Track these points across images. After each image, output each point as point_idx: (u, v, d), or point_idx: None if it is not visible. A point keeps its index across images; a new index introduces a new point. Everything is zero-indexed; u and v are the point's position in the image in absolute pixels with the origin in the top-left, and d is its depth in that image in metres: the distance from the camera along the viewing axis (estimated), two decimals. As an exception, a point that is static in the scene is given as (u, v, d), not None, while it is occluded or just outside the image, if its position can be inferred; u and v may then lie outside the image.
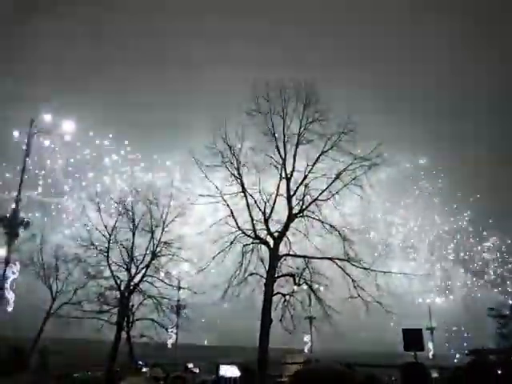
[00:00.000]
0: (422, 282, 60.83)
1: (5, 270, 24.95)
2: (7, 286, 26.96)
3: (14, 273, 27.85)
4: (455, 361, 54.91)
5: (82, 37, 63.39)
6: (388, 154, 26.80)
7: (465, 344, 59.11)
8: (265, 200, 26.95)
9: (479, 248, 72.95)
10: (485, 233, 73.66)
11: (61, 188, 47.24)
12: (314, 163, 27.19)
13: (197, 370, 30.66)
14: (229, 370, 26.24)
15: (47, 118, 28.28)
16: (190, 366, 31.37)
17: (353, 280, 25.71)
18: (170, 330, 35.48)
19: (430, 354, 53.49)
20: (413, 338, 22.01)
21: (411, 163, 76.84)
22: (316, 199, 26.96)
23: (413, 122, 71.92)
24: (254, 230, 26.72)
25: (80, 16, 62.66)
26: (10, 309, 27.18)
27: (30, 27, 58.42)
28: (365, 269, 25.82)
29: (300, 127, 27.38)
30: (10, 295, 27.31)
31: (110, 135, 57.46)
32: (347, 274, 25.91)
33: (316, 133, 27.39)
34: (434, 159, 75.68)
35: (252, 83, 27.28)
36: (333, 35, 76.58)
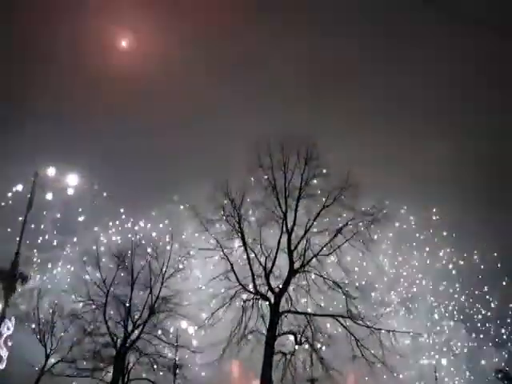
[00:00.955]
0: (427, 341, 59.16)
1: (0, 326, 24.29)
2: (1, 342, 26.14)
3: (8, 328, 27.08)
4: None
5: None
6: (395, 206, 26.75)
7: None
8: (266, 254, 26.72)
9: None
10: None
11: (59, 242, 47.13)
12: (316, 218, 27.19)
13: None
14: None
15: (51, 171, 28.41)
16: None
17: (356, 340, 24.99)
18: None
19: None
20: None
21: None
22: (317, 254, 26.73)
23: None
24: (255, 285, 26.34)
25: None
26: (2, 366, 26.21)
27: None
28: (368, 327, 25.16)
29: (301, 182, 27.62)
30: (4, 352, 26.41)
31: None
32: (350, 332, 25.24)
33: (317, 187, 27.61)
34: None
35: (255, 140, 27.77)
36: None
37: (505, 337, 67.72)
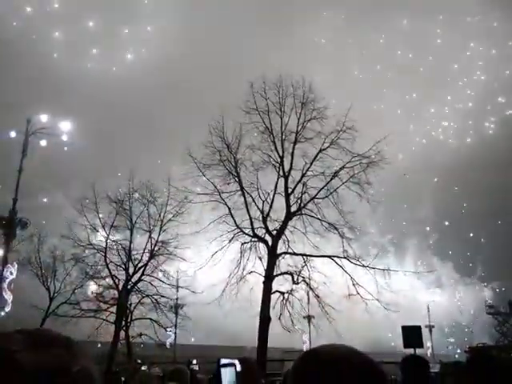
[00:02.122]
0: (422, 279, 60.84)
1: (2, 271, 24.79)
2: (5, 286, 26.77)
3: (11, 273, 27.64)
4: (456, 356, 54.91)
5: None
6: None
7: (465, 339, 59.23)
8: (263, 198, 26.93)
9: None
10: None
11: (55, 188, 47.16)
12: (312, 161, 27.16)
13: (197, 368, 30.65)
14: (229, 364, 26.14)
15: (43, 118, 28.04)
16: (194, 362, 31.48)
17: (351, 277, 25.66)
18: (168, 330, 35.40)
19: (429, 352, 53.49)
20: (412, 334, 21.98)
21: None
22: (314, 197, 26.92)
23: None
24: (253, 229, 26.67)
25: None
26: (7, 309, 27.00)
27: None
28: (363, 266, 25.78)
29: (298, 125, 27.37)
30: (8, 296, 27.11)
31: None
32: (346, 271, 25.87)
33: (314, 131, 27.39)
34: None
35: (249, 81, 27.25)
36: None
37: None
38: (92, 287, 29.58)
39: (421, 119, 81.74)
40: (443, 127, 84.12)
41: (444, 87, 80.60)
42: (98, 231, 30.04)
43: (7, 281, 26.99)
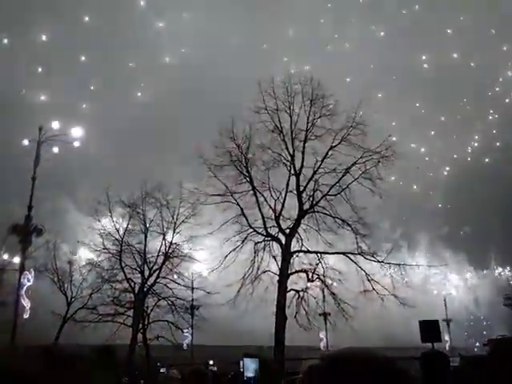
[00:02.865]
0: (438, 273, 60.37)
1: (20, 278, 25.10)
2: (22, 293, 27.12)
3: (28, 280, 28.03)
4: (475, 350, 54.38)
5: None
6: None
7: (484, 332, 58.65)
8: (275, 197, 26.89)
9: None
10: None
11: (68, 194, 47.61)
12: (323, 158, 27.04)
13: (215, 369, 30.75)
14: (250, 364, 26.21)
15: (55, 125, 28.37)
16: (211, 363, 31.62)
17: (366, 274, 25.54)
18: (185, 331, 35.56)
19: (447, 346, 53.05)
20: (430, 329, 21.76)
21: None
22: (326, 194, 26.81)
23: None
24: (265, 228, 26.65)
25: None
26: (26, 316, 27.35)
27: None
28: (378, 262, 25.65)
29: (307, 123, 27.27)
30: (26, 302, 27.48)
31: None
32: (361, 268, 25.74)
33: (324, 128, 27.26)
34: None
35: (258, 80, 27.24)
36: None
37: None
38: (109, 292, 29.77)
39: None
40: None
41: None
42: (112, 235, 30.23)
43: (25, 287, 27.35)
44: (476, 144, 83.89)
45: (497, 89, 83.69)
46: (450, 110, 77.82)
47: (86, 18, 64.90)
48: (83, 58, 63.84)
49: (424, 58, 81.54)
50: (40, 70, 59.84)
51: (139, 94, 69.15)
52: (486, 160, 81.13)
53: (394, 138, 26.68)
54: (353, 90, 47.81)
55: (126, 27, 63.37)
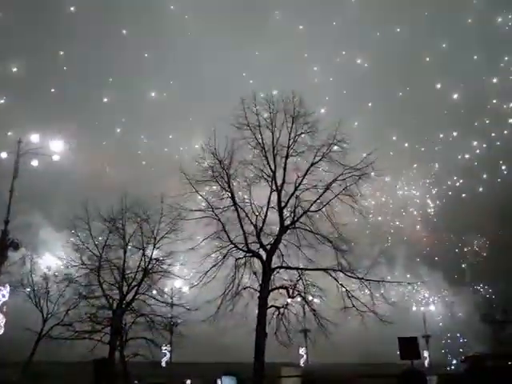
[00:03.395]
0: (417, 289, 60.89)
1: (-6, 293, 24.59)
2: (-3, 308, 26.57)
3: (3, 296, 27.46)
4: (452, 367, 54.81)
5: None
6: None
7: (461, 350, 59.08)
8: (256, 213, 26.90)
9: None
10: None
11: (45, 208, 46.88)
12: (305, 175, 27.26)
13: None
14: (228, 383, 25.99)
15: (35, 138, 28.09)
16: (188, 382, 31.10)
17: (347, 290, 25.61)
18: (163, 348, 35.09)
19: (426, 363, 53.28)
20: (408, 346, 21.95)
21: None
22: (307, 210, 26.96)
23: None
24: (247, 244, 26.61)
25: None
26: (1, 332, 26.73)
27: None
28: (358, 278, 25.75)
29: (289, 139, 27.50)
30: (1, 318, 26.88)
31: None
32: (341, 284, 25.82)
33: (305, 144, 27.54)
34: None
35: (240, 97, 27.43)
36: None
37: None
38: (86, 308, 29.21)
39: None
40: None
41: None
42: (90, 251, 29.80)
43: (0, 303, 26.77)
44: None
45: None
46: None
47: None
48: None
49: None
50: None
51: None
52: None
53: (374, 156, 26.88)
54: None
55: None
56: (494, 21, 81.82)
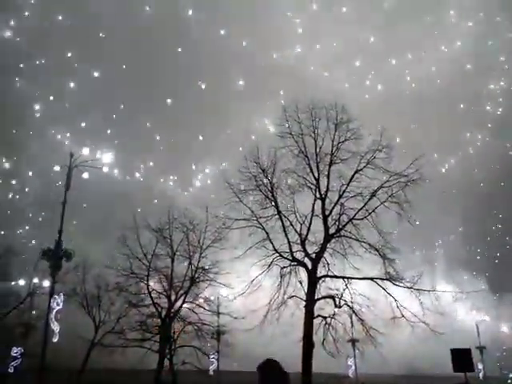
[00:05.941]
0: (470, 299, 58.56)
1: (49, 302, 25.60)
2: (52, 317, 27.62)
3: (58, 304, 28.52)
4: (509, 381, 52.28)
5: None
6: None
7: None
8: (300, 221, 26.75)
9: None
10: None
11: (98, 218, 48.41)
12: (349, 182, 26.91)
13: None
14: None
15: (85, 151, 29.15)
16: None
17: (395, 300, 24.99)
18: (211, 357, 35.36)
19: (481, 375, 51.11)
20: (462, 358, 21.12)
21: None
22: (352, 218, 26.56)
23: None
24: (291, 252, 26.48)
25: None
26: (55, 339, 27.75)
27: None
28: (407, 288, 25.09)
29: (332, 147, 27.28)
30: (55, 326, 27.93)
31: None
32: (389, 294, 25.22)
33: (349, 151, 27.21)
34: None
35: (282, 106, 27.51)
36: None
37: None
38: (136, 317, 29.90)
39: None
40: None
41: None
42: (140, 260, 30.52)
43: (54, 311, 27.83)
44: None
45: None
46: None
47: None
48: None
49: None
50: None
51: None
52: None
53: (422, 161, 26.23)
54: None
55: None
56: None
